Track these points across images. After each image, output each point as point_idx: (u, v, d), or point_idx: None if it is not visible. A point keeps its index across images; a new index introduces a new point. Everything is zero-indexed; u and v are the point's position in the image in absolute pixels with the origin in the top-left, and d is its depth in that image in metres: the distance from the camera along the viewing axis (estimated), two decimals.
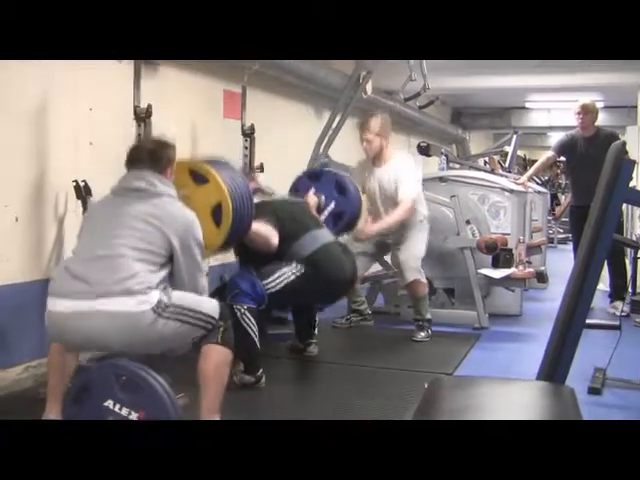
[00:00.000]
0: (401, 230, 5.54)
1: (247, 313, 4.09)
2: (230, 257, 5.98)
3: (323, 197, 5.03)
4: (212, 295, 5.34)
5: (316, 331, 5.00)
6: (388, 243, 5.71)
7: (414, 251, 5.53)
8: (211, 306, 3.14)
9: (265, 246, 4.18)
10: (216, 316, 3.11)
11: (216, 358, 3.09)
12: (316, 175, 5.27)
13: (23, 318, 4.10)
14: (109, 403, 2.64)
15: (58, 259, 4.31)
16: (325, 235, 4.51)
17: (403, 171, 5.48)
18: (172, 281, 3.09)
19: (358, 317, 5.94)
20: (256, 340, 4.12)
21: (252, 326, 4.09)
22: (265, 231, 4.15)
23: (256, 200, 4.11)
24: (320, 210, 5.00)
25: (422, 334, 5.55)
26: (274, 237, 4.19)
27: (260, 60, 5.34)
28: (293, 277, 4.22)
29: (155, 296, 2.93)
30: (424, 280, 5.61)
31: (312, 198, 4.95)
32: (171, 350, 3.07)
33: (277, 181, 5.45)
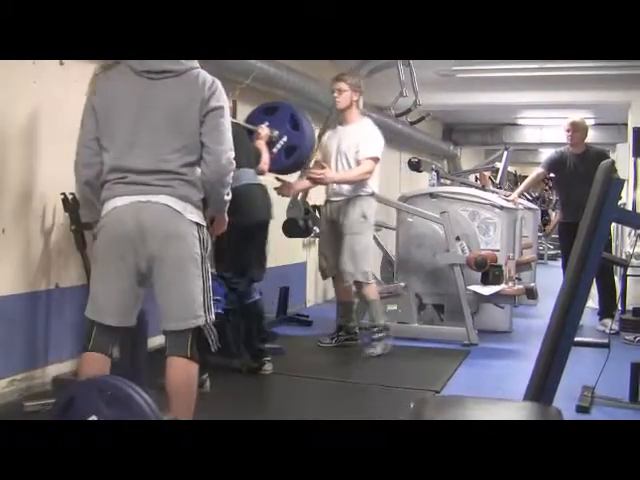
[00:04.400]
0: (346, 216, 5.45)
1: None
2: None
3: (276, 132, 5.04)
4: None
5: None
6: (341, 231, 5.54)
7: (355, 252, 5.43)
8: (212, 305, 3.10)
9: None
10: (212, 317, 3.05)
11: (185, 372, 3.02)
12: (271, 109, 5.24)
13: (9, 331, 4.08)
14: (93, 419, 2.61)
15: (46, 272, 4.29)
16: (250, 176, 4.51)
17: (367, 133, 5.49)
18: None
19: (345, 335, 5.80)
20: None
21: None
22: None
23: None
24: (272, 143, 5.00)
25: (374, 350, 5.44)
26: None
27: (251, 73, 5.36)
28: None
29: (202, 218, 3.02)
30: (369, 281, 5.53)
31: (264, 130, 4.93)
32: (170, 290, 2.98)
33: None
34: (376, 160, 5.45)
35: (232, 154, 3.03)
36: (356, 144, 5.41)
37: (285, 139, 5.13)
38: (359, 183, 5.42)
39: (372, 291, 5.56)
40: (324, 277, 5.94)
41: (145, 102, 2.96)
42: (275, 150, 5.05)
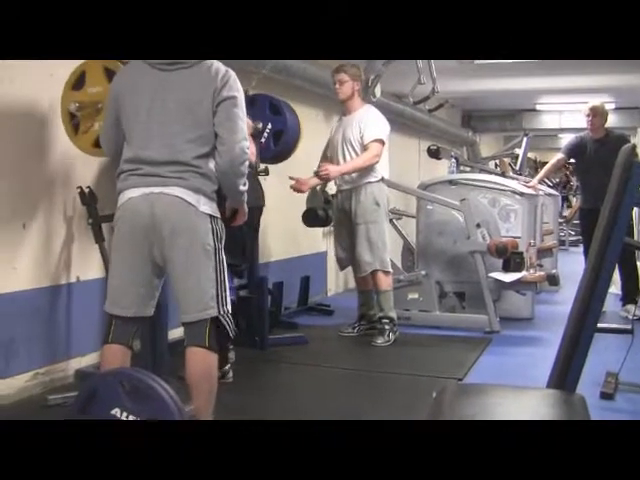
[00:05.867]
0: (358, 204, 5.43)
1: None
2: None
3: (260, 123, 5.05)
4: None
5: (232, 355, 4.57)
6: (354, 220, 5.49)
7: (372, 241, 5.42)
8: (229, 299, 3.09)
9: None
10: (227, 309, 3.04)
11: (203, 362, 3.01)
12: (249, 102, 5.14)
13: (32, 324, 4.10)
14: (116, 411, 2.62)
15: (66, 266, 4.32)
16: None
17: (370, 118, 5.47)
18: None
19: (366, 324, 5.78)
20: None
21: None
22: None
23: None
24: (259, 134, 5.03)
25: (381, 339, 5.45)
26: None
27: (269, 63, 5.36)
28: None
29: (217, 210, 3.02)
30: (387, 269, 5.51)
31: (247, 122, 4.95)
32: (183, 282, 2.97)
33: (286, 185, 5.45)
34: (382, 143, 5.41)
35: (246, 143, 3.02)
36: (360, 129, 5.40)
37: (270, 126, 5.21)
38: (368, 169, 5.40)
39: (387, 281, 5.53)
40: (341, 268, 5.94)
41: (159, 93, 2.97)
42: (263, 140, 5.11)
